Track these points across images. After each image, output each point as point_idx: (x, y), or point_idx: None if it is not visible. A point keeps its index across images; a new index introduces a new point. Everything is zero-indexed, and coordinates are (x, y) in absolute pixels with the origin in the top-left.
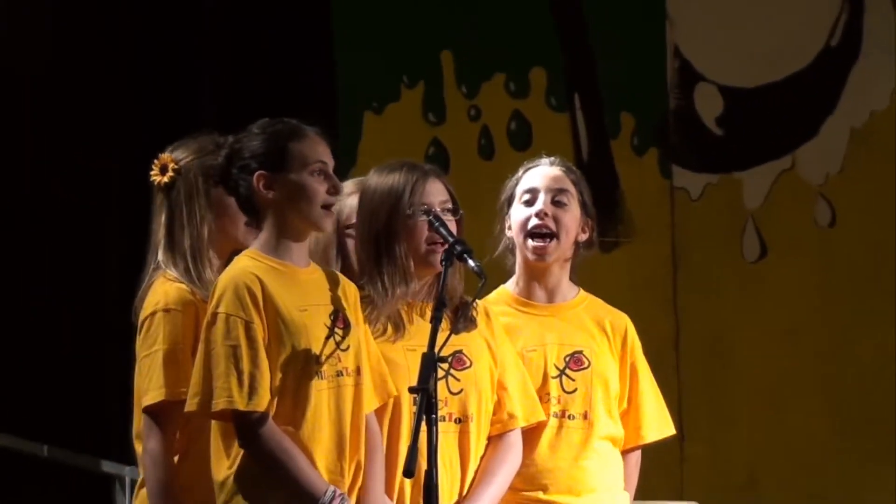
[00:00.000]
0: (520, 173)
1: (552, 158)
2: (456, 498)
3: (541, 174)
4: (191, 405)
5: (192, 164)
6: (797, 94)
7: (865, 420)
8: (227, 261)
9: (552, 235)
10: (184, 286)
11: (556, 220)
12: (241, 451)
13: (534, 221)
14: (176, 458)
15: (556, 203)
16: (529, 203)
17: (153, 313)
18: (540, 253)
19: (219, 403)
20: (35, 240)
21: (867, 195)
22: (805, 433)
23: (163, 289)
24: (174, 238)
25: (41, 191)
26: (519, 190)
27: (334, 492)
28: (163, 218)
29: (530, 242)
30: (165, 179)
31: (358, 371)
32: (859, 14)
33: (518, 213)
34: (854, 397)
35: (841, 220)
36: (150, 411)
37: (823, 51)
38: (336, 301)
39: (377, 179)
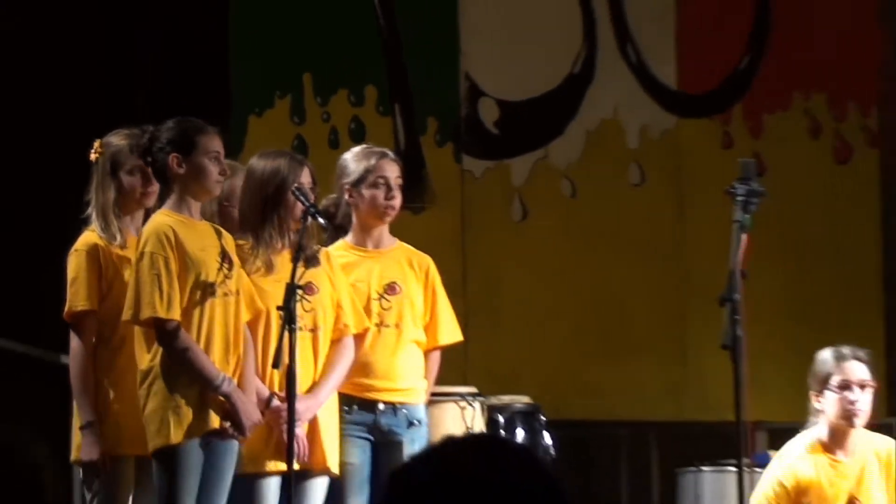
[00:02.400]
0: (372, 162)
1: (394, 155)
2: (309, 384)
3: (391, 167)
4: (126, 315)
5: (110, 147)
6: (550, 105)
7: (600, 333)
8: (145, 217)
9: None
10: (95, 233)
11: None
12: (159, 348)
13: (384, 203)
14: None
15: (398, 187)
16: (377, 185)
17: (75, 250)
18: (386, 220)
19: (146, 313)
20: None
21: (598, 176)
22: (555, 343)
23: (83, 235)
24: (95, 199)
25: None
26: (372, 175)
27: (224, 377)
28: (92, 185)
29: (390, 215)
30: (93, 158)
31: (238, 293)
32: (594, 51)
33: (372, 192)
34: (592, 318)
35: (580, 193)
36: (69, 319)
37: (569, 75)
38: (222, 245)
39: (263, 162)
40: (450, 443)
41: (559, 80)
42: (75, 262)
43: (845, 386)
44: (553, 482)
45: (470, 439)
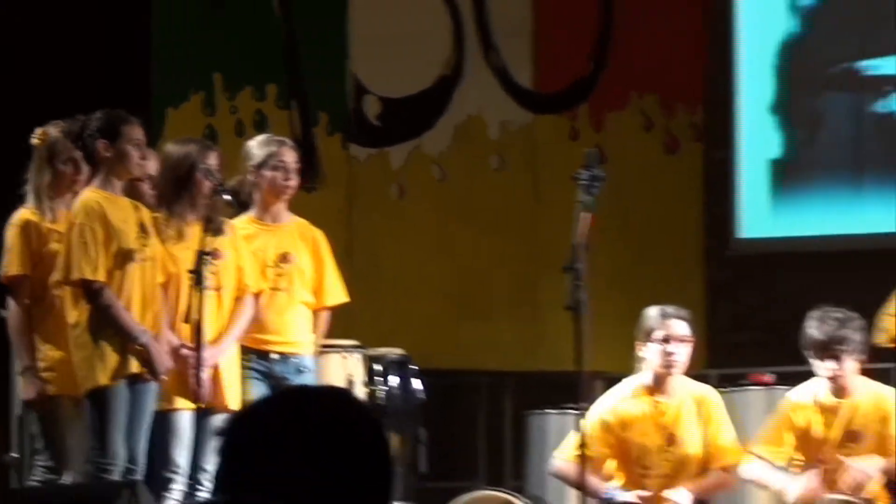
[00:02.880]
0: (272, 148)
1: (291, 143)
2: (214, 335)
3: (288, 153)
4: (58, 276)
5: (48, 137)
6: (424, 102)
7: (465, 296)
8: (74, 195)
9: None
10: (29, 210)
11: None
12: (87, 305)
13: (282, 184)
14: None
15: (294, 171)
16: (276, 168)
17: (11, 224)
18: (284, 198)
19: (75, 275)
20: None
21: (464, 163)
22: (426, 304)
23: (19, 212)
24: (32, 181)
25: None
26: (273, 160)
27: (142, 329)
28: (31, 168)
29: (287, 194)
30: (35, 143)
31: (153, 259)
32: (461, 56)
33: (272, 174)
34: (458, 284)
35: (449, 177)
36: (5, 283)
37: (440, 77)
38: (140, 218)
39: (177, 147)
40: (296, 388)
41: (432, 80)
42: (10, 234)
43: (667, 340)
44: (378, 427)
45: (315, 388)
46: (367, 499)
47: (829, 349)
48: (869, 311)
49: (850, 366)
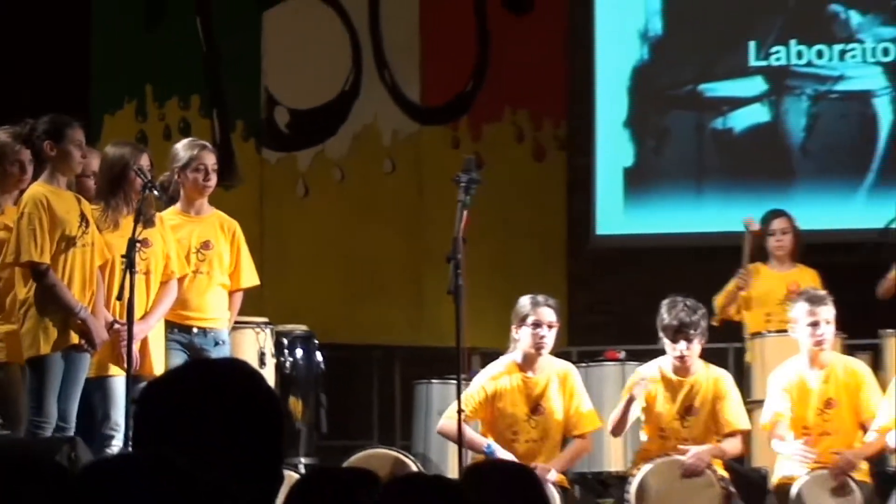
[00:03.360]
0: (195, 151)
1: (211, 147)
2: (143, 312)
3: (209, 156)
4: (9, 259)
5: None
6: (327, 113)
7: (361, 281)
8: (21, 192)
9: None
10: None
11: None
12: (33, 284)
13: (203, 182)
14: None
15: (213, 171)
16: (198, 169)
17: None
18: (205, 194)
19: (24, 258)
20: None
21: (360, 166)
22: (327, 287)
23: None
24: None
25: None
26: (195, 162)
27: (81, 306)
28: None
29: (208, 191)
30: None
31: (92, 245)
32: (359, 74)
33: (195, 175)
34: (355, 270)
35: (347, 178)
36: None
37: (341, 92)
38: (81, 209)
39: (113, 149)
40: (203, 360)
41: (334, 94)
42: None
43: (537, 324)
44: (271, 394)
45: (220, 360)
46: (262, 453)
47: (681, 332)
48: (706, 299)
49: (697, 348)
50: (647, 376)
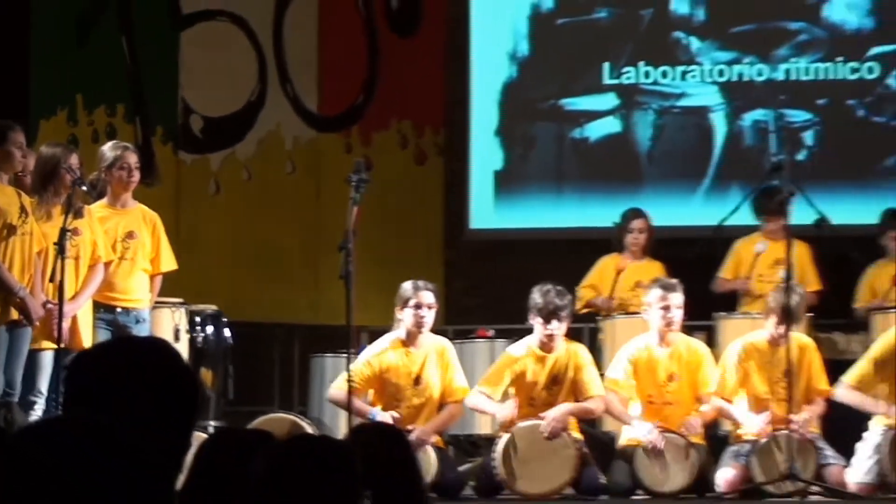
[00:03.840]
0: (119, 152)
1: (134, 148)
2: (73, 293)
3: (132, 157)
4: None
5: None
6: (236, 121)
7: (266, 266)
8: None
9: (134, 184)
10: None
11: None
12: None
13: (127, 180)
14: None
15: (136, 170)
16: (122, 168)
17: None
18: (129, 190)
19: None
20: None
21: (265, 167)
22: (236, 272)
23: None
24: None
25: None
26: (120, 161)
27: (21, 286)
28: None
29: (131, 187)
30: None
31: (31, 233)
32: (265, 86)
33: (119, 173)
34: (261, 257)
35: (254, 178)
36: None
37: (248, 102)
38: (21, 202)
39: (46, 149)
40: (125, 337)
41: (242, 104)
42: None
43: (418, 306)
44: (185, 367)
45: (139, 338)
46: (176, 419)
47: (553, 314)
48: (565, 284)
49: (564, 327)
50: None
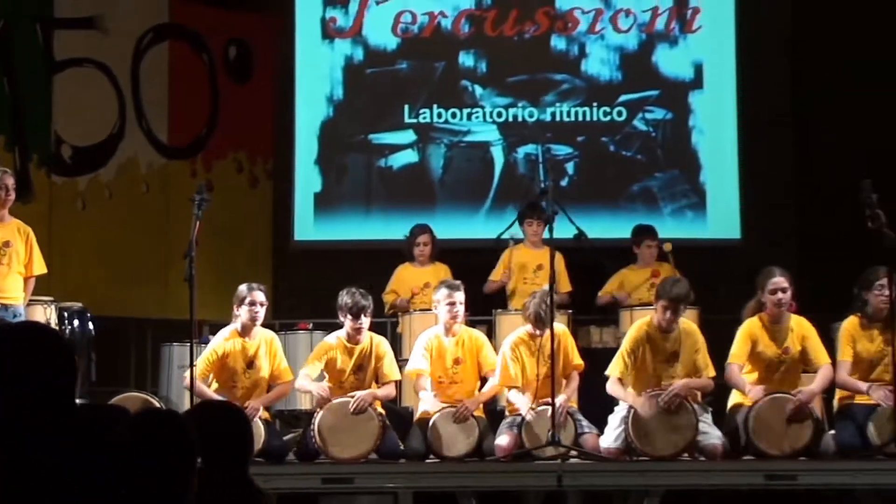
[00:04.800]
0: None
1: (12, 172)
2: None
3: (9, 179)
4: None
5: None
6: (100, 150)
7: (124, 269)
8: None
9: (11, 202)
10: None
11: None
12: None
13: (4, 198)
14: None
15: (13, 190)
16: (1, 188)
17: None
18: (7, 207)
19: None
20: None
21: (124, 188)
22: (99, 274)
23: None
24: None
25: None
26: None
27: None
28: None
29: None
30: None
31: None
32: (123, 121)
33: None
34: (121, 262)
35: (114, 196)
36: None
37: (110, 134)
38: None
39: None
40: (9, 323)
41: (105, 136)
42: None
43: (252, 303)
44: (64, 343)
45: (23, 322)
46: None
47: (358, 311)
48: (376, 287)
49: (367, 322)
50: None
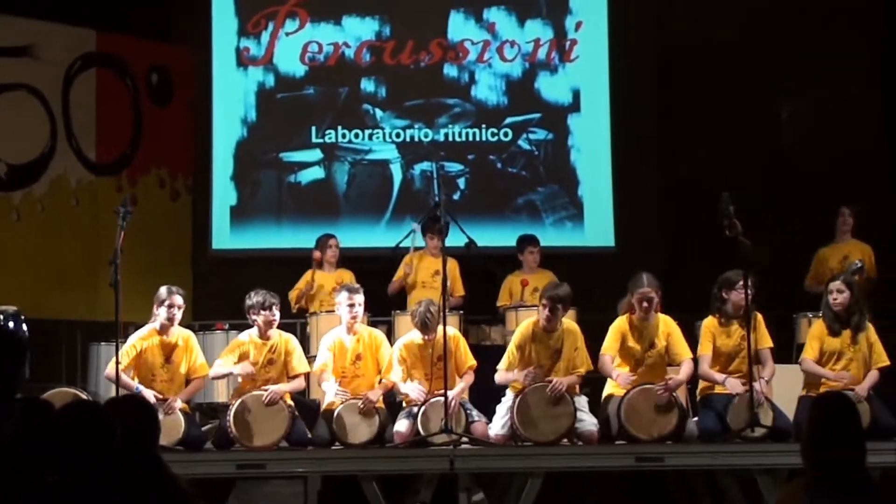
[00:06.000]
0: None
1: None
2: None
3: None
4: None
5: None
6: (33, 167)
7: (52, 275)
8: None
9: None
10: None
11: None
12: None
13: None
14: None
15: None
16: None
17: None
18: None
19: None
20: None
21: (56, 202)
22: (27, 281)
23: None
24: None
25: None
26: None
27: None
28: None
29: None
30: None
31: None
32: (55, 141)
33: None
34: (50, 269)
35: (47, 209)
36: None
37: (42, 153)
38: None
39: None
40: None
41: (38, 154)
42: None
43: (171, 305)
44: (17, 339)
45: None
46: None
47: (269, 308)
48: (286, 291)
49: (276, 320)
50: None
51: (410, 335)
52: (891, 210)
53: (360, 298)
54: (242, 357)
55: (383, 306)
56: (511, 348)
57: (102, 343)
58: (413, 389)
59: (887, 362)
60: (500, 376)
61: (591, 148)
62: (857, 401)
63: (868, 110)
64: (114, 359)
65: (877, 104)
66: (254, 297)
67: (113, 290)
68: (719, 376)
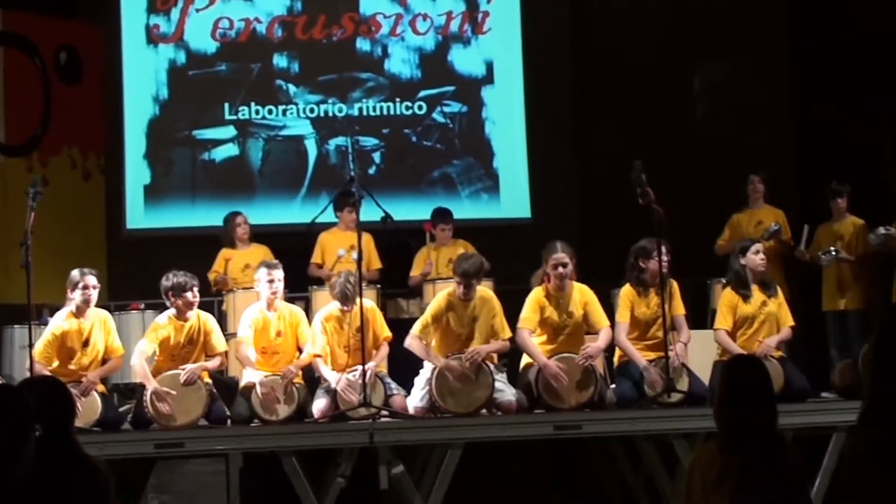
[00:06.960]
0: None
1: None
2: None
3: None
4: None
5: None
6: None
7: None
8: None
9: None
10: None
11: None
12: None
13: None
14: None
15: None
16: None
17: None
18: None
19: None
20: None
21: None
22: None
23: None
24: None
25: None
26: None
27: None
28: None
29: None
30: None
31: None
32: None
33: None
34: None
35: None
36: None
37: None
38: None
39: None
40: None
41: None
42: None
43: (85, 287)
44: None
45: None
46: None
47: (183, 290)
48: (201, 269)
49: (195, 301)
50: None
51: (329, 307)
52: (798, 176)
53: (279, 274)
54: (163, 340)
55: (301, 281)
56: (427, 317)
57: (16, 326)
58: (332, 376)
59: (793, 323)
60: (413, 343)
61: (506, 120)
62: (764, 355)
63: (778, 78)
64: (29, 346)
65: (786, 71)
66: (172, 279)
67: (24, 272)
68: (641, 360)
